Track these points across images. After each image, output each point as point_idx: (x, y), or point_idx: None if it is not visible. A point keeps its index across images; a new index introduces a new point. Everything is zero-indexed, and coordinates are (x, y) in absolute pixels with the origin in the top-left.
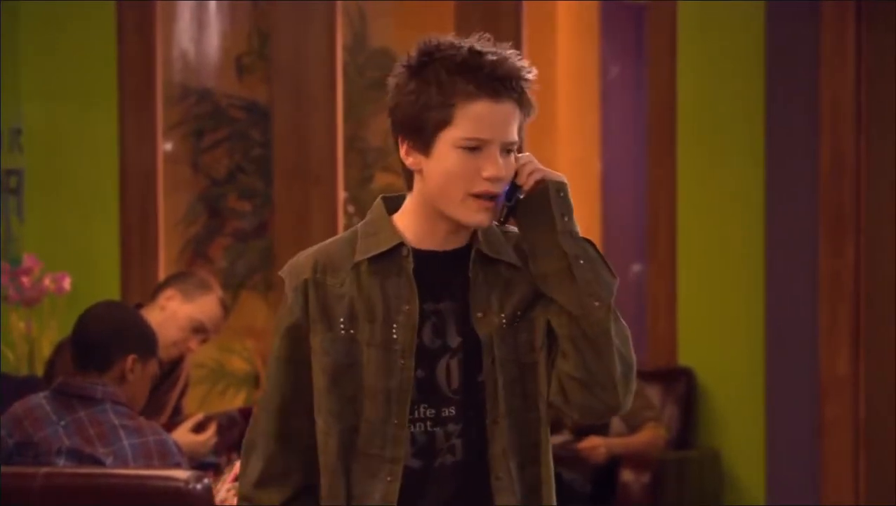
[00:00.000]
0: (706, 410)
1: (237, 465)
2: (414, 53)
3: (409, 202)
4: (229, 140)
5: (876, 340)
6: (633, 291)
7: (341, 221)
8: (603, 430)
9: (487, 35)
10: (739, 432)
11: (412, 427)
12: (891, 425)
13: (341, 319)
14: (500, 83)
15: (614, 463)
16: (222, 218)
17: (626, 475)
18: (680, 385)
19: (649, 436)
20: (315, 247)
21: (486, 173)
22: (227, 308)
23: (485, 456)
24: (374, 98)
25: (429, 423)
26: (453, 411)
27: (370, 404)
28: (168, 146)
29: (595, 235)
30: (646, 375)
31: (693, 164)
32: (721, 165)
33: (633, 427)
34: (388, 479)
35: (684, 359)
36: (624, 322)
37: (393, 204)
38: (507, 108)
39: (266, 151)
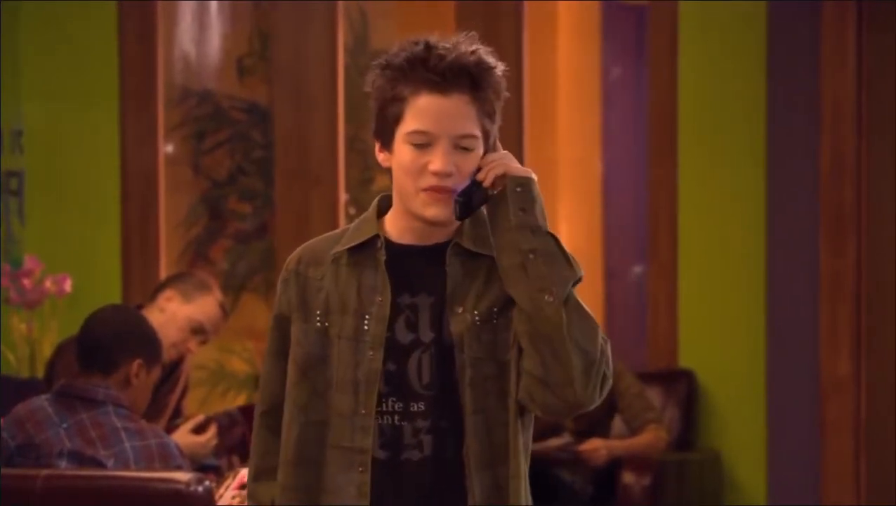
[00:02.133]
0: (707, 411)
1: (243, 472)
2: (385, 54)
3: (394, 199)
4: (230, 141)
5: (877, 340)
6: (634, 293)
7: (342, 222)
8: (603, 432)
9: (473, 33)
10: (740, 433)
11: (380, 419)
12: (892, 425)
13: (318, 312)
14: (445, 76)
15: (615, 465)
16: (223, 219)
17: (627, 477)
18: (681, 387)
19: (650, 438)
20: (307, 242)
21: (431, 167)
22: (226, 309)
23: (455, 453)
24: None
25: (397, 417)
26: (423, 407)
27: (340, 397)
28: (169, 148)
29: (595, 236)
30: (646, 377)
31: (694, 164)
32: (722, 165)
33: (633, 429)
34: (360, 470)
35: (685, 360)
36: (590, 313)
37: (388, 203)
38: (456, 102)
39: (267, 153)
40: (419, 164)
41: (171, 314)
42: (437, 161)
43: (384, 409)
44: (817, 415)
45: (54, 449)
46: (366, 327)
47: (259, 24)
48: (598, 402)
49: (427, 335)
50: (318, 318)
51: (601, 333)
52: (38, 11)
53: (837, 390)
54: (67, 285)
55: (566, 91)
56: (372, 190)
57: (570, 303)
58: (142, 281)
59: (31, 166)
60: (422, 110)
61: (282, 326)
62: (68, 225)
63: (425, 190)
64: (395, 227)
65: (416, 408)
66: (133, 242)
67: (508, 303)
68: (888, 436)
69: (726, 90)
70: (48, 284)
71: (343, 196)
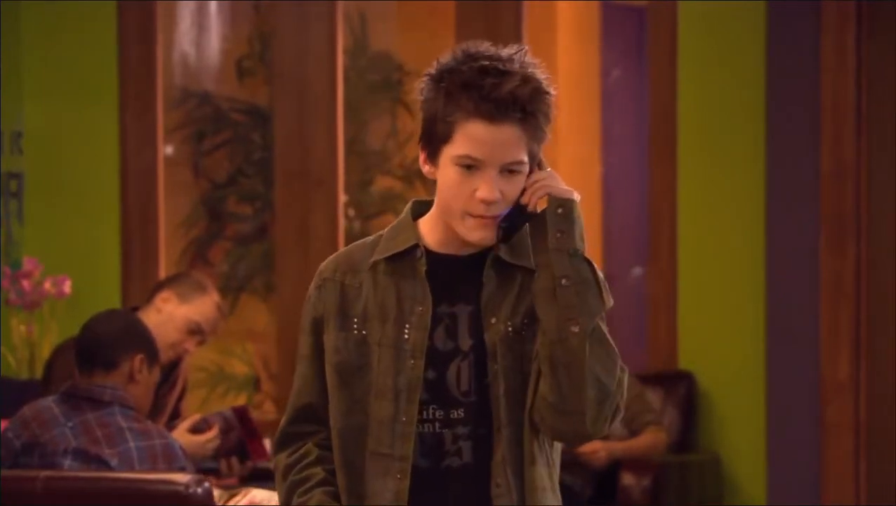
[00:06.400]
0: (707, 413)
1: (253, 493)
2: (439, 61)
3: (434, 207)
4: (230, 143)
5: (877, 342)
6: (634, 294)
7: (342, 224)
8: None
9: (524, 47)
10: (740, 435)
11: (421, 427)
12: (892, 427)
13: (355, 319)
14: (497, 106)
15: (615, 467)
16: (223, 221)
17: (627, 479)
18: (680, 388)
19: (650, 440)
20: (342, 249)
21: (478, 194)
22: (223, 310)
23: (493, 460)
24: (375, 101)
25: (437, 424)
26: (462, 414)
27: (379, 404)
28: (169, 149)
29: (595, 238)
30: (646, 379)
31: (694, 166)
32: (722, 167)
33: (633, 431)
34: (398, 477)
35: (685, 362)
36: (613, 345)
37: (421, 208)
38: (506, 131)
39: (267, 155)
40: (466, 187)
41: (168, 315)
42: (483, 189)
43: (425, 417)
44: (817, 416)
45: (59, 447)
46: (406, 336)
47: (259, 25)
48: (606, 433)
49: (466, 343)
50: (355, 325)
51: (620, 364)
52: (38, 12)
53: (837, 391)
54: (67, 287)
55: (566, 92)
56: (371, 191)
57: (594, 334)
58: (141, 283)
59: (31, 168)
60: (471, 137)
61: (316, 330)
62: (68, 227)
63: (471, 215)
64: (433, 235)
65: (455, 415)
66: (133, 244)
67: (536, 316)
68: (888, 437)
69: (726, 91)
70: (47, 285)
71: (342, 198)
